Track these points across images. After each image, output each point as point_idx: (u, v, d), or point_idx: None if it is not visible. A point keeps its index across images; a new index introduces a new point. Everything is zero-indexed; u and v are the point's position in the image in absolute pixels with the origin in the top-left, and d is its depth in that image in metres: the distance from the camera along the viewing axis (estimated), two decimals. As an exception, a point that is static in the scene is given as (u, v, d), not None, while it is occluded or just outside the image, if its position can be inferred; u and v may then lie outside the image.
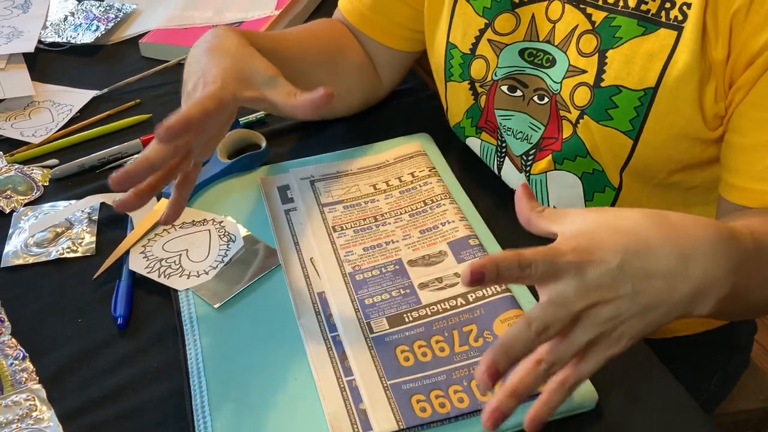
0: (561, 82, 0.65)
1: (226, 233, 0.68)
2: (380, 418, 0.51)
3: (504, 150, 0.73)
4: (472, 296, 0.58)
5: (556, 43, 0.65)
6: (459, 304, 0.58)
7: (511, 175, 0.74)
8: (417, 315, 0.58)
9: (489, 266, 0.42)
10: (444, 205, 0.68)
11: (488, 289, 0.58)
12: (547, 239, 0.69)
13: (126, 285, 0.64)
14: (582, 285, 0.43)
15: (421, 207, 0.69)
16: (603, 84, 0.62)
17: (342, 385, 0.54)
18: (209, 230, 0.69)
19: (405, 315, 0.58)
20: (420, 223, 0.67)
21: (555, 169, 0.68)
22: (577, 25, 0.63)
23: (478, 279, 0.42)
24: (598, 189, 0.68)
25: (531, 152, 0.70)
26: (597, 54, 0.62)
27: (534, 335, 0.42)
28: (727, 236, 0.46)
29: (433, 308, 0.58)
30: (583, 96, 0.63)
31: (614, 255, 0.43)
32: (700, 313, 0.46)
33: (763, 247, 0.49)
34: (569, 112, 0.65)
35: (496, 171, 0.75)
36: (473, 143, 0.76)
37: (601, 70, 0.62)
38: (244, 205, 0.71)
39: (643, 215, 0.46)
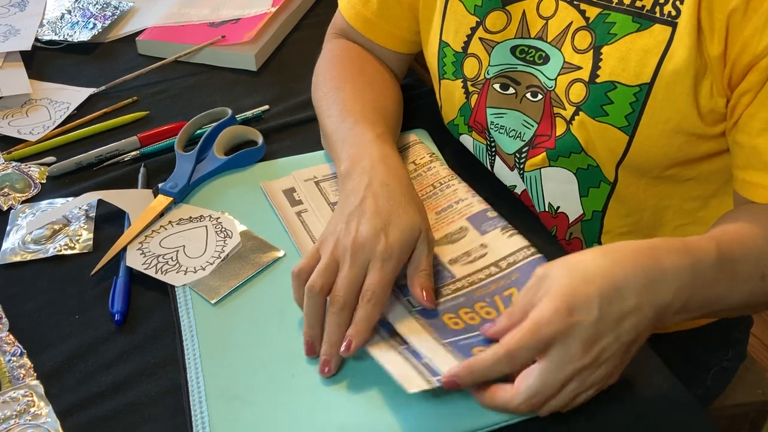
0: (556, 79, 0.65)
1: (223, 229, 0.68)
2: (445, 365, 0.51)
3: (494, 149, 0.73)
4: (504, 263, 0.59)
5: (549, 40, 0.65)
6: (493, 272, 0.59)
7: (503, 172, 0.74)
8: (454, 287, 0.59)
9: (462, 375, 0.49)
10: (453, 185, 0.69)
11: (518, 253, 0.60)
12: (543, 232, 0.70)
13: (123, 281, 0.64)
14: (570, 351, 0.48)
15: (431, 191, 0.69)
16: (598, 80, 0.62)
17: (399, 351, 0.54)
18: (206, 226, 0.69)
19: (442, 289, 0.59)
20: (434, 205, 0.67)
21: (549, 166, 0.68)
22: (572, 22, 0.63)
23: (451, 386, 0.49)
24: (593, 184, 0.68)
25: (524, 150, 0.70)
26: (592, 50, 0.62)
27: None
28: (678, 249, 0.52)
29: (469, 279, 0.59)
30: (578, 92, 0.63)
31: (592, 307, 0.48)
32: (671, 323, 0.52)
33: (724, 257, 0.53)
34: (564, 108, 0.65)
35: (489, 168, 0.76)
36: (466, 141, 0.76)
37: (596, 66, 0.62)
38: (240, 201, 0.72)
39: (601, 254, 0.51)
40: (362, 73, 0.77)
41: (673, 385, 0.56)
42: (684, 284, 0.50)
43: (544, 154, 0.68)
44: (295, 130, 0.83)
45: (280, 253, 0.66)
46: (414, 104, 0.85)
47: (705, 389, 0.86)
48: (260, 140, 0.78)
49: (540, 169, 0.69)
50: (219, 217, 0.70)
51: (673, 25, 0.58)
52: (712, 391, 0.88)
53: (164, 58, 0.95)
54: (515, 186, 0.73)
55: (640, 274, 0.49)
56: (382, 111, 0.73)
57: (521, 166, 0.71)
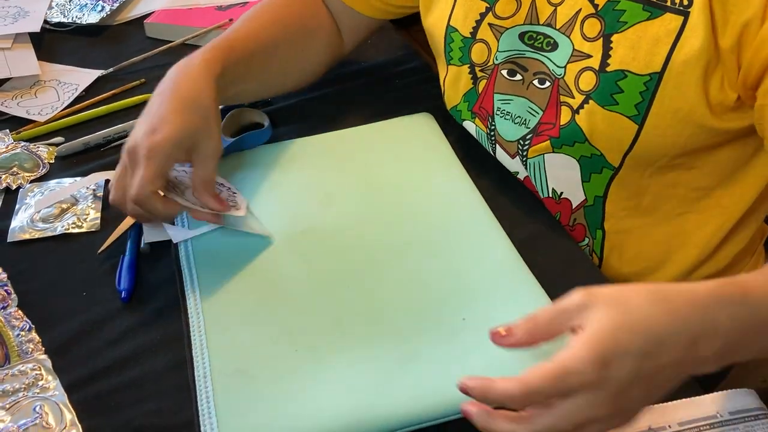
0: (565, 67, 0.65)
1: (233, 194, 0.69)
2: None
3: (494, 137, 0.73)
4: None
5: (558, 27, 0.65)
6: None
7: (504, 159, 0.74)
8: None
9: (477, 390, 0.44)
10: None
11: None
12: (546, 216, 0.69)
13: (130, 259, 0.65)
14: (596, 402, 0.42)
15: None
16: (608, 69, 0.62)
17: None
18: (221, 191, 0.69)
19: None
20: None
21: (552, 152, 0.69)
22: (581, 9, 0.63)
23: (463, 391, 0.44)
24: (595, 170, 0.68)
25: (528, 137, 0.70)
26: (602, 38, 0.62)
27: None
28: (738, 302, 0.45)
29: None
30: (588, 81, 0.63)
31: (629, 360, 0.42)
32: (703, 371, 0.46)
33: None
34: (572, 97, 0.65)
35: (491, 153, 0.76)
36: (469, 126, 0.76)
37: (606, 55, 0.62)
38: (245, 182, 0.72)
39: (653, 300, 0.44)
40: (288, 15, 0.78)
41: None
42: (732, 340, 0.45)
43: (548, 142, 0.68)
44: (301, 113, 0.83)
45: (266, 239, 0.65)
46: (420, 89, 0.86)
47: (706, 376, 0.86)
48: (266, 122, 0.78)
49: (543, 155, 0.69)
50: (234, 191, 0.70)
51: (685, 15, 0.57)
52: (713, 379, 0.88)
53: (172, 41, 0.96)
54: (517, 172, 0.74)
55: (689, 329, 0.43)
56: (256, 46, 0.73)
57: (524, 153, 0.71)
